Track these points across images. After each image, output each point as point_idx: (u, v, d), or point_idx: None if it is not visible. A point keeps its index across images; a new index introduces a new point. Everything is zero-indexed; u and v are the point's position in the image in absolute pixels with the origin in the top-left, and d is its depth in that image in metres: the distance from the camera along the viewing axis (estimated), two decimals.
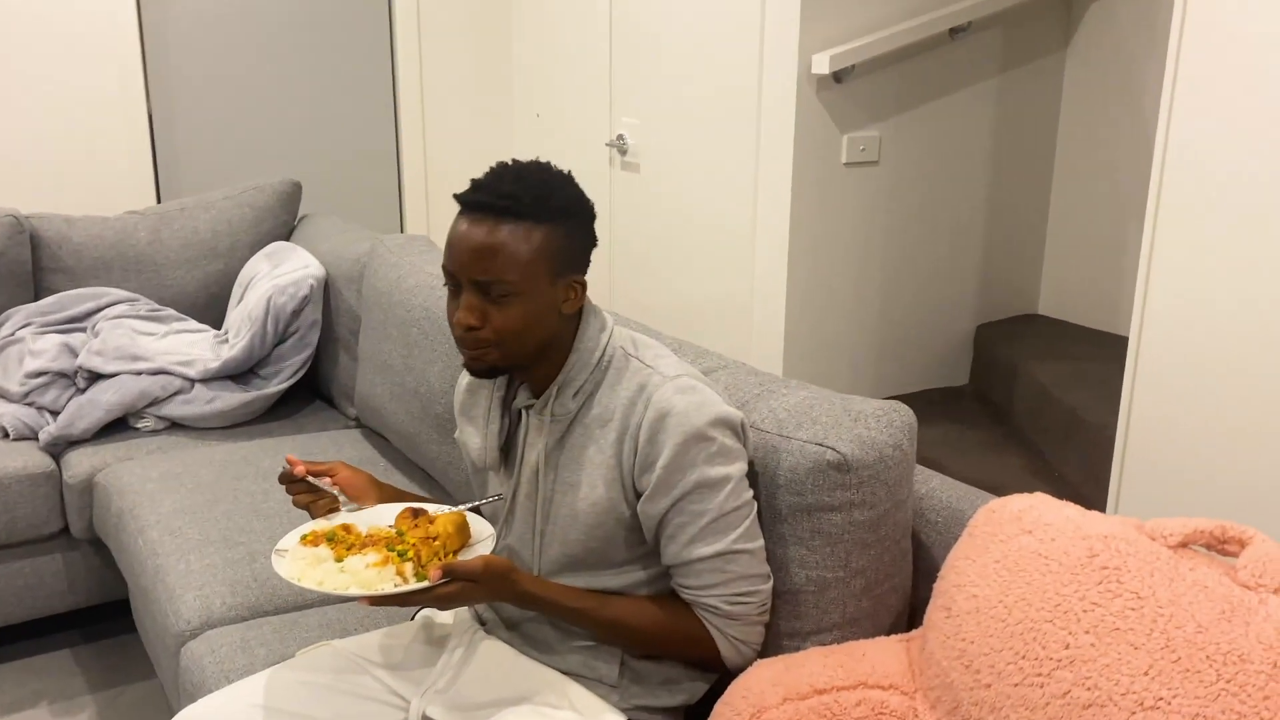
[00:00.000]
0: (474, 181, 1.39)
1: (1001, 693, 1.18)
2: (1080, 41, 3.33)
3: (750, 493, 1.41)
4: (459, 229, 1.37)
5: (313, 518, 1.50)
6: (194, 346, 2.83)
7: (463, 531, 1.41)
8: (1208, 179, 1.99)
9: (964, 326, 3.46)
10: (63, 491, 2.52)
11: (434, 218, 4.27)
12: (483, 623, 1.57)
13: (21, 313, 2.88)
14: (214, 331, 2.97)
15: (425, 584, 1.30)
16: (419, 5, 4.06)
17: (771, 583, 1.43)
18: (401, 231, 4.25)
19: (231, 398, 2.71)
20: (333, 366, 2.85)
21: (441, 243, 2.96)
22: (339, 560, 1.33)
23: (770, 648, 1.46)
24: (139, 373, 2.68)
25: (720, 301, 3.39)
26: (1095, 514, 1.26)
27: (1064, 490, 2.70)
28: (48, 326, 2.83)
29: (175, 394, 2.69)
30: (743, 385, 1.62)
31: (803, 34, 2.91)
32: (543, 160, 1.42)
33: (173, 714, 1.55)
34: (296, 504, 1.51)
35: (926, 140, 3.20)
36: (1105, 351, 3.11)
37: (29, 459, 2.52)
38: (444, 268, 1.40)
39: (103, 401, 2.61)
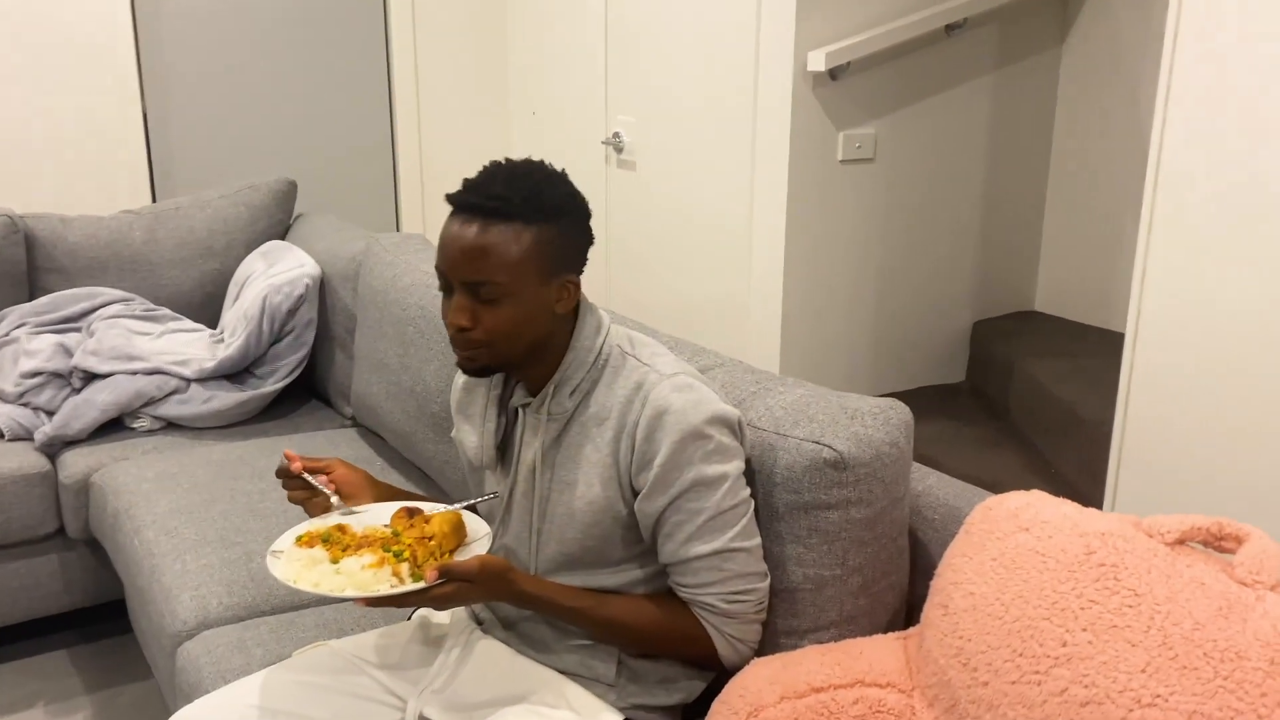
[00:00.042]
0: (465, 181, 1.39)
1: (999, 690, 1.18)
2: (1076, 37, 3.33)
3: (747, 491, 1.41)
4: (450, 230, 1.37)
5: (308, 515, 1.50)
6: (189, 346, 2.83)
7: (458, 531, 1.41)
8: (1203, 175, 1.99)
9: (960, 323, 3.46)
10: (58, 492, 2.52)
11: (429, 216, 4.26)
12: (479, 622, 1.57)
13: (16, 313, 2.87)
14: (209, 331, 2.97)
15: (422, 585, 1.29)
16: (414, 3, 4.05)
17: (768, 581, 1.43)
18: (397, 230, 4.24)
19: (227, 397, 2.71)
20: (329, 365, 2.85)
21: (437, 241, 2.95)
22: (334, 561, 1.33)
23: (767, 646, 1.46)
24: (134, 372, 2.67)
25: (717, 299, 3.39)
26: (1092, 511, 1.26)
27: (1061, 487, 2.70)
28: (43, 326, 2.82)
29: (171, 394, 2.68)
30: (739, 383, 1.61)
31: (798, 31, 2.91)
32: (537, 159, 1.42)
33: (169, 714, 1.54)
34: (292, 499, 1.51)
35: (922, 137, 3.20)
36: (1102, 348, 3.12)
37: (24, 459, 2.52)
38: (436, 268, 1.40)
39: (98, 401, 2.61)
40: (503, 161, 1.40)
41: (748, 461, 1.45)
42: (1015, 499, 1.33)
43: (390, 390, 2.39)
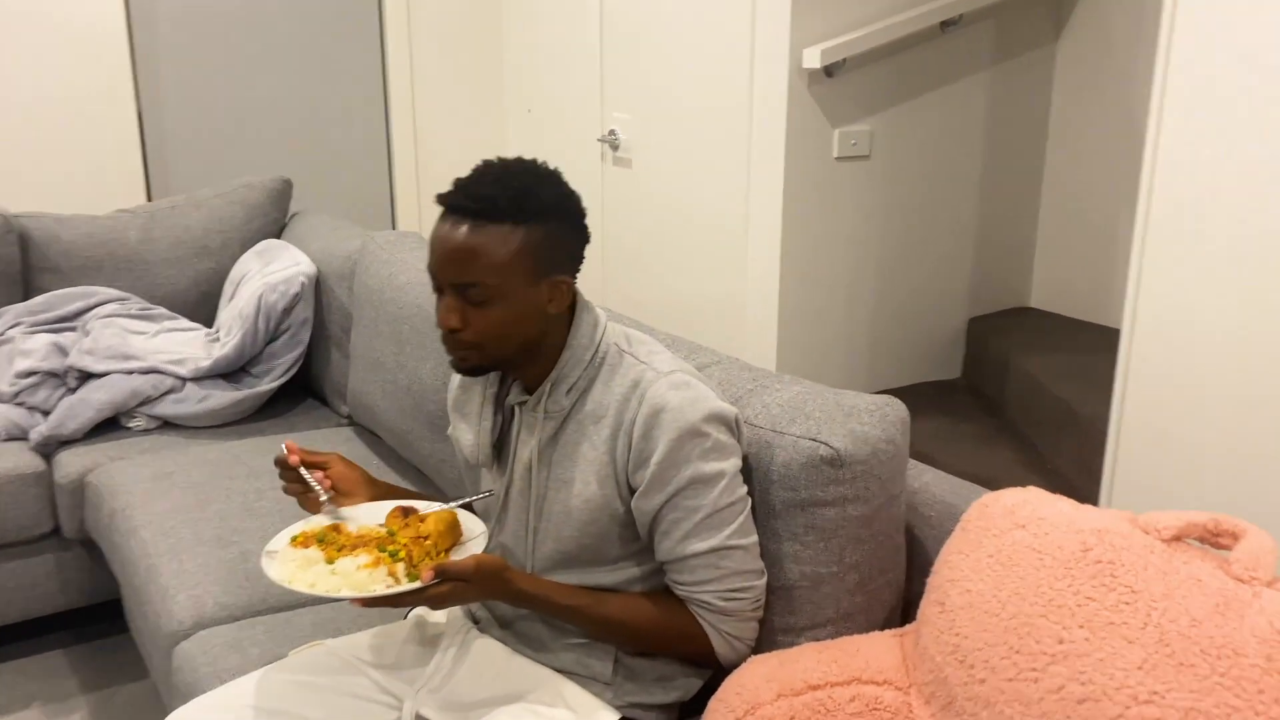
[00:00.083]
0: (456, 181, 1.38)
1: (996, 688, 1.18)
2: (1071, 34, 3.33)
3: (744, 488, 1.41)
4: (439, 231, 1.37)
5: (301, 508, 1.50)
6: (185, 345, 2.82)
7: (454, 530, 1.40)
8: (1198, 170, 1.99)
9: (956, 320, 3.46)
10: (54, 492, 2.51)
11: (425, 214, 4.26)
12: (476, 621, 1.57)
13: (11, 312, 2.86)
14: (205, 330, 2.96)
15: (418, 584, 1.29)
16: (409, 1, 4.04)
17: (765, 578, 1.43)
18: (393, 228, 4.24)
19: (223, 396, 2.70)
20: (325, 364, 2.85)
21: None
22: (330, 562, 1.33)
23: (764, 643, 1.46)
24: (130, 372, 2.67)
25: (713, 296, 3.39)
26: (1089, 508, 1.26)
27: (1057, 483, 2.70)
28: (38, 326, 2.82)
29: (167, 393, 2.68)
30: (736, 380, 1.61)
31: (794, 28, 2.91)
32: (531, 158, 1.41)
33: (166, 714, 1.54)
34: (286, 491, 1.51)
35: (918, 134, 3.20)
36: (1097, 344, 3.12)
37: (20, 459, 2.51)
38: (428, 269, 1.39)
39: (94, 401, 2.60)
40: (494, 161, 1.40)
41: (745, 459, 1.44)
42: (1011, 496, 1.33)
43: (386, 389, 2.38)
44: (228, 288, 3.05)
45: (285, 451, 1.49)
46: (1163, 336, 2.10)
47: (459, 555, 1.37)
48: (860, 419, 1.44)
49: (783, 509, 1.44)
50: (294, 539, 1.39)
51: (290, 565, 1.34)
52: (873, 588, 1.47)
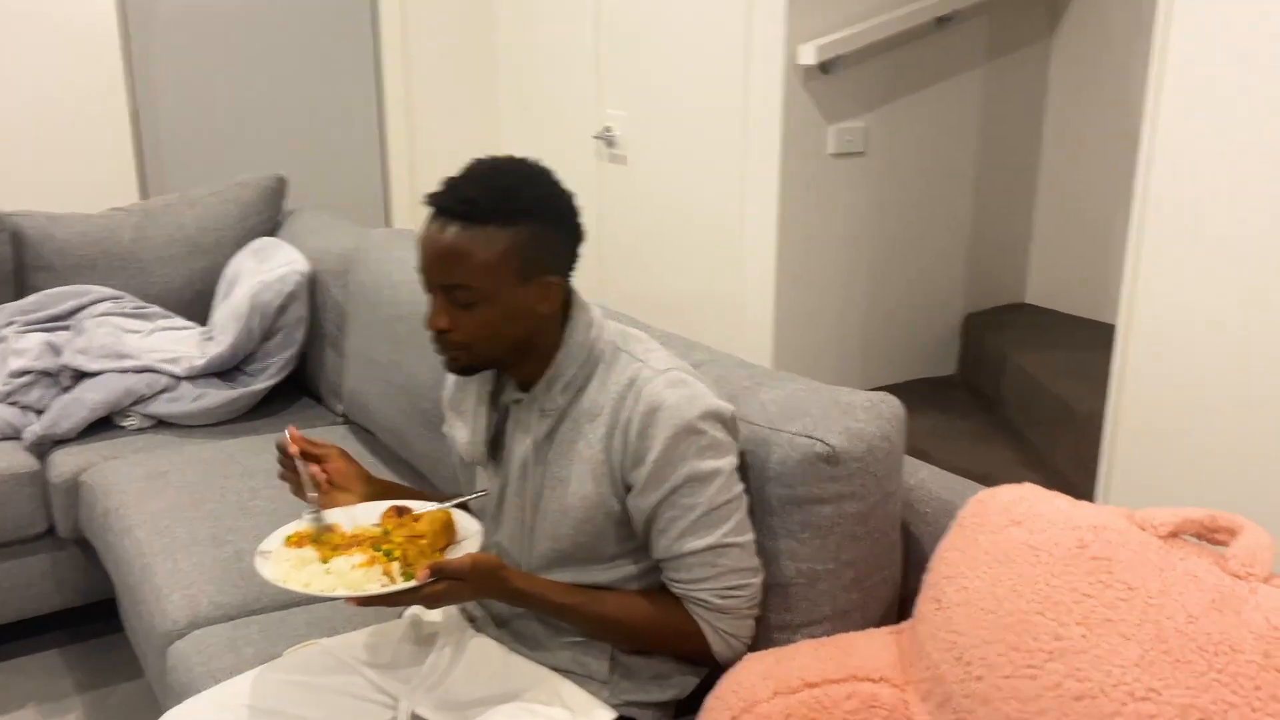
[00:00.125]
0: (444, 181, 1.37)
1: (993, 685, 1.17)
2: (1065, 30, 3.33)
3: (741, 486, 1.41)
4: (426, 232, 1.36)
5: (293, 495, 1.49)
6: (179, 344, 2.82)
7: (449, 529, 1.40)
8: (1194, 166, 1.99)
9: (952, 316, 3.46)
10: (48, 491, 2.50)
11: (420, 212, 4.22)
12: (472, 620, 1.56)
13: (4, 311, 2.85)
14: (199, 328, 2.95)
15: (413, 584, 1.29)
16: None
17: (762, 576, 1.42)
18: (388, 226, 4.23)
19: (218, 395, 2.69)
20: (319, 363, 2.84)
21: None
22: (324, 561, 1.32)
23: (761, 641, 1.45)
24: (124, 370, 2.66)
25: (709, 293, 3.38)
26: (1085, 504, 1.26)
27: (1053, 479, 2.70)
28: (31, 325, 2.81)
29: (161, 392, 2.67)
30: (732, 378, 1.61)
31: (789, 24, 2.91)
32: (524, 156, 1.41)
33: (161, 714, 1.53)
34: (281, 477, 1.51)
35: (913, 130, 3.20)
36: (1093, 340, 3.12)
37: (13, 459, 2.50)
38: (417, 269, 1.39)
39: (88, 400, 2.59)
40: (484, 160, 1.39)
41: (741, 456, 1.44)
42: (1007, 492, 1.32)
43: (382, 387, 2.38)
44: (222, 286, 3.04)
45: (287, 437, 1.49)
46: (1158, 333, 2.10)
47: (454, 554, 1.37)
48: (856, 416, 1.44)
49: (779, 506, 1.44)
50: (288, 539, 1.38)
51: (284, 565, 1.34)
52: (869, 585, 1.47)
